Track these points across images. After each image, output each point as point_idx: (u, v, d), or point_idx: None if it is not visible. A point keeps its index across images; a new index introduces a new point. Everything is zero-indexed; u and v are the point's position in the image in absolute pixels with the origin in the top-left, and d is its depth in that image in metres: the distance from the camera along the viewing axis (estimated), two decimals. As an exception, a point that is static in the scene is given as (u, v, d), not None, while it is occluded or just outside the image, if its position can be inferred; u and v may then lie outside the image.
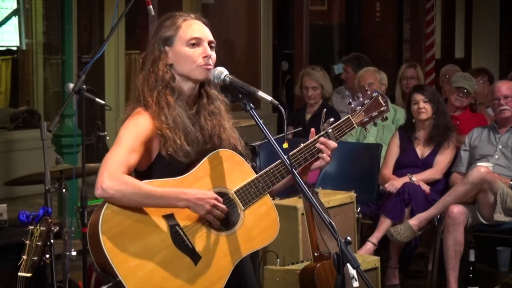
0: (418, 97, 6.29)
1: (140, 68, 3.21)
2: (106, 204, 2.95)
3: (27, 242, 3.08)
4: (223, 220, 3.09)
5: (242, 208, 3.11)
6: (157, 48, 3.14)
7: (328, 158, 3.21)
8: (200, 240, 3.04)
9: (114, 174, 2.94)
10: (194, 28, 3.15)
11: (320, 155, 3.20)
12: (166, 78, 3.11)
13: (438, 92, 6.89)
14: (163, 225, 3.01)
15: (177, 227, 3.02)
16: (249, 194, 3.12)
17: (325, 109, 3.50)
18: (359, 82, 7.26)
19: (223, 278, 3.05)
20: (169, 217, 3.03)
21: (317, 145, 3.20)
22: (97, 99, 5.07)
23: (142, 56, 3.22)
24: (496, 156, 6.12)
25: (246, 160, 3.19)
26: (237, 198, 3.11)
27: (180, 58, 3.12)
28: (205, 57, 3.11)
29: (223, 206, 3.05)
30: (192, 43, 3.12)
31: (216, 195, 3.04)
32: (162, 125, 3.05)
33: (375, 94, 3.34)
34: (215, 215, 3.04)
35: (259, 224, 3.13)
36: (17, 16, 9.72)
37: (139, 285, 2.93)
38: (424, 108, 6.27)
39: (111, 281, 2.93)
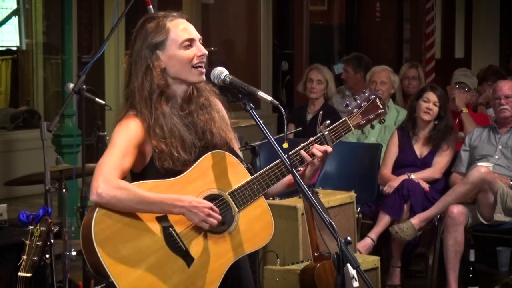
0: (432, 97, 6.25)
1: (125, 74, 3.14)
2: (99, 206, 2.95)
3: (27, 242, 3.08)
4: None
5: (236, 210, 3.08)
6: (148, 55, 3.06)
7: (317, 163, 3.15)
8: (193, 242, 3.03)
9: (109, 179, 2.93)
10: (184, 28, 3.10)
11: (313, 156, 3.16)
12: (161, 86, 3.06)
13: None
14: (156, 227, 3.00)
15: (170, 229, 3.01)
16: (244, 196, 3.09)
17: (321, 111, 3.48)
18: (372, 77, 7.22)
19: (216, 280, 3.03)
20: (162, 219, 3.01)
21: (311, 149, 3.15)
22: (97, 99, 5.07)
23: (126, 61, 3.13)
24: (496, 156, 6.12)
25: (241, 162, 3.16)
26: (231, 200, 3.08)
27: (176, 61, 3.08)
28: (200, 55, 3.09)
29: (218, 216, 3.01)
30: (186, 45, 3.08)
31: (211, 205, 3.00)
32: (158, 139, 3.03)
33: (372, 97, 3.31)
34: (209, 224, 3.00)
35: (253, 226, 3.10)
36: (17, 16, 9.70)
37: (131, 286, 2.92)
38: (432, 110, 6.24)
39: (104, 282, 2.93)
